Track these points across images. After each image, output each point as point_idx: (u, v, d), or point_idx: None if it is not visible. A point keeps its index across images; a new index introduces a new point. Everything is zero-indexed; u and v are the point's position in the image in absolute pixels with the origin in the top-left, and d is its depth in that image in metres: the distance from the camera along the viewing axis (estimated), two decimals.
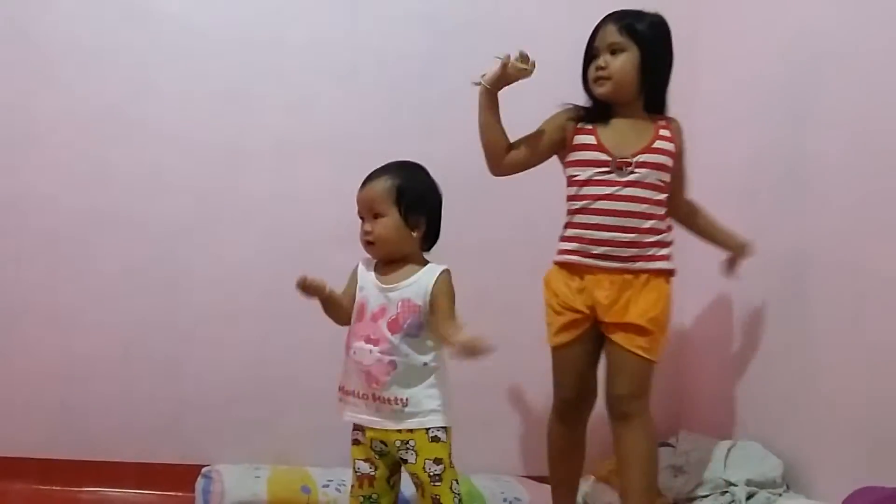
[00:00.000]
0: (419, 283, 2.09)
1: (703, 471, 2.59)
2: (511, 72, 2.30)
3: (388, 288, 2.12)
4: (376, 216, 2.11)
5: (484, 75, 2.35)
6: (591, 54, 2.43)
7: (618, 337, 2.37)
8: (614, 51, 2.38)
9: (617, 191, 2.37)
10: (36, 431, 2.78)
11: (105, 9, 2.86)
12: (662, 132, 2.42)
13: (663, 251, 2.42)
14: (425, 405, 2.07)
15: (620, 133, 2.41)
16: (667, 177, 2.41)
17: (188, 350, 2.88)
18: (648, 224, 2.38)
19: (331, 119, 2.97)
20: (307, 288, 2.10)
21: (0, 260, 2.79)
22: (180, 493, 2.75)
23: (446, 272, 2.12)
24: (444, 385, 2.10)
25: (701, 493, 2.57)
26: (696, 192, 2.58)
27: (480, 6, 3.06)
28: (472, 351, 1.94)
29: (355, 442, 2.16)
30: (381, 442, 2.11)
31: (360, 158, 2.87)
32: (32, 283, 2.81)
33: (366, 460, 2.14)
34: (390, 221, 2.10)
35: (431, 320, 2.08)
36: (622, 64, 2.37)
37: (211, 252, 2.90)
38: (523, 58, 2.29)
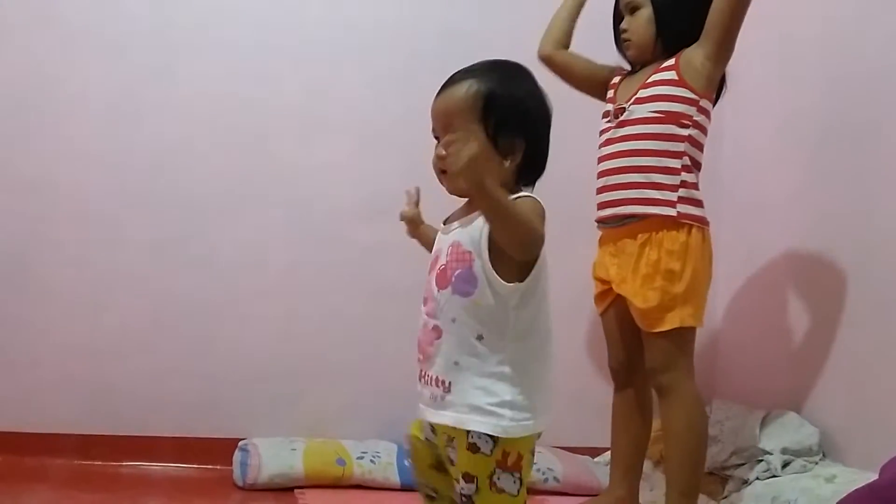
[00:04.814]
0: (476, 220, 1.50)
1: (738, 439, 2.58)
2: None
3: (444, 228, 1.59)
4: None
5: None
6: (618, 16, 2.34)
7: (632, 310, 2.23)
8: (632, 9, 2.26)
9: (611, 136, 2.24)
10: (74, 408, 2.81)
11: None
12: (665, 64, 2.22)
13: (667, 195, 2.16)
14: (470, 398, 1.48)
15: (634, 82, 2.27)
16: (665, 106, 2.17)
17: (219, 326, 2.90)
18: (642, 161, 2.16)
19: (352, 96, 2.98)
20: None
21: (32, 241, 2.81)
22: (218, 466, 2.78)
23: (528, 198, 1.51)
24: (511, 379, 1.48)
25: (736, 461, 2.56)
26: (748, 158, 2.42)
27: None
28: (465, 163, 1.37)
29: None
30: (430, 427, 1.59)
31: (382, 135, 2.92)
32: (64, 263, 2.83)
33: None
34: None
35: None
36: (638, 24, 2.25)
37: (238, 229, 2.92)
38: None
